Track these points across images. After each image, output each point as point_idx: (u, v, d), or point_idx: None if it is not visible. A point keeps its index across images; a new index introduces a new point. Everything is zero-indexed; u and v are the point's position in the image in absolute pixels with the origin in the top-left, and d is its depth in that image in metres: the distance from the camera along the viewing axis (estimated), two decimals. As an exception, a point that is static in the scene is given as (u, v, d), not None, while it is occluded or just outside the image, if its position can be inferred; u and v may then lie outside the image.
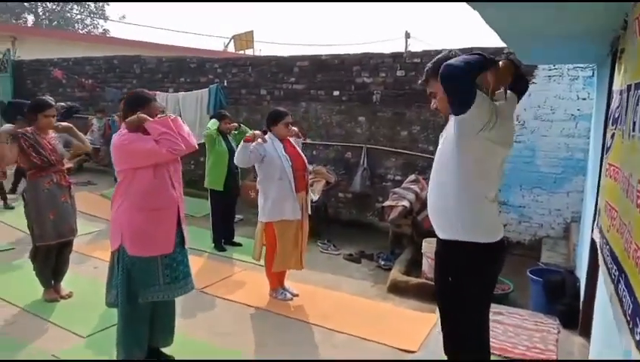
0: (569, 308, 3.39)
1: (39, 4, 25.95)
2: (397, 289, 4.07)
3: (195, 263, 4.54)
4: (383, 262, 4.77)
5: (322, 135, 6.55)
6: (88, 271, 4.27)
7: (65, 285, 3.78)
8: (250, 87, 7.15)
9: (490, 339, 2.14)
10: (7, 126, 3.60)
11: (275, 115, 3.78)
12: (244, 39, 18.41)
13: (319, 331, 3.40)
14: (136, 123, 2.49)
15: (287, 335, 3.34)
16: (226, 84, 7.28)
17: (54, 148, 3.51)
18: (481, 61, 1.77)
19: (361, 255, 5.02)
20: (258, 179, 3.78)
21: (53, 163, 3.48)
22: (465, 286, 1.96)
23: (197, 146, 2.72)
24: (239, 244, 5.19)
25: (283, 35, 64.13)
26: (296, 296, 3.94)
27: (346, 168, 6.39)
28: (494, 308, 3.41)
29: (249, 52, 17.54)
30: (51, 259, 3.60)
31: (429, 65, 2.02)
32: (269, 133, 3.76)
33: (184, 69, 7.85)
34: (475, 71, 1.76)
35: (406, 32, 21.59)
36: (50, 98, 3.86)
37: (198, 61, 7.79)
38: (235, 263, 4.75)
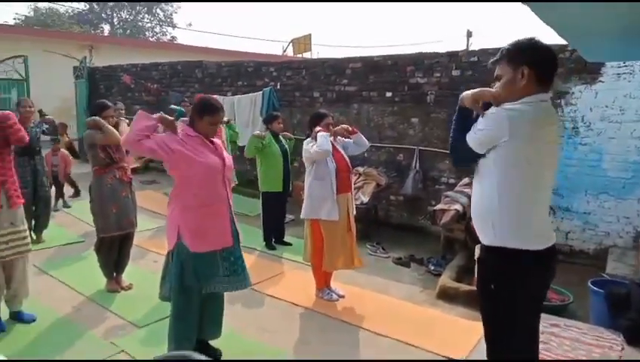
0: (635, 323, 3.13)
1: (115, 14, 27.89)
2: (446, 296, 3.95)
3: (246, 260, 4.71)
4: (433, 267, 4.65)
5: (374, 137, 6.49)
6: (148, 265, 4.53)
7: (125, 277, 4.03)
8: (303, 90, 7.25)
9: (544, 351, 2.03)
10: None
11: (316, 117, 3.89)
12: (302, 42, 18.72)
13: (363, 333, 3.38)
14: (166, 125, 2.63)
15: (331, 335, 3.36)
16: (279, 86, 7.44)
17: (118, 147, 3.78)
18: (456, 122, 1.98)
19: (410, 259, 4.93)
20: (306, 174, 3.83)
21: (116, 160, 3.76)
22: (507, 294, 1.87)
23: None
24: (289, 244, 5.28)
25: (340, 38, 64.35)
26: (342, 297, 3.95)
27: (397, 170, 6.30)
28: (550, 319, 3.24)
29: (306, 55, 17.82)
30: (114, 252, 3.87)
31: (508, 46, 1.89)
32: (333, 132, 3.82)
33: (242, 72, 8.11)
34: (458, 139, 1.95)
35: (468, 30, 20.95)
36: (112, 101, 4.18)
37: (255, 65, 8.02)
38: (284, 262, 4.84)
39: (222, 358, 2.93)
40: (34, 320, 3.34)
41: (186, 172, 2.62)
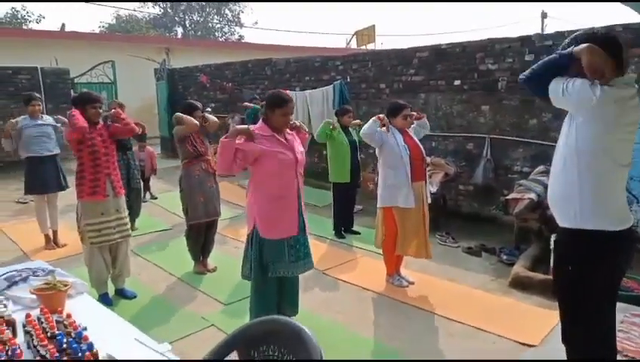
0: None
1: (187, 17, 29.45)
2: (520, 285, 3.91)
3: (317, 248, 4.95)
4: (505, 257, 4.59)
5: (442, 126, 6.46)
6: (230, 251, 4.90)
7: (211, 261, 4.42)
8: (369, 82, 7.34)
9: (625, 341, 2.03)
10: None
11: (394, 108, 3.95)
12: (366, 34, 18.67)
13: (435, 318, 3.47)
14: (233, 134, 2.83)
15: (402, 318, 3.48)
16: (348, 79, 7.58)
17: (203, 141, 4.16)
18: (549, 62, 1.94)
19: (481, 248, 4.89)
20: (378, 164, 3.96)
21: (202, 153, 4.13)
22: (585, 276, 1.90)
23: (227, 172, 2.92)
24: (358, 233, 5.44)
25: (404, 27, 62.94)
26: (412, 283, 4.05)
27: (467, 160, 6.22)
28: (632, 309, 3.14)
29: (370, 47, 17.78)
30: (201, 237, 4.26)
31: (566, 40, 1.98)
32: (388, 124, 3.91)
33: (309, 68, 8.36)
34: (541, 72, 1.95)
35: (542, 11, 19.78)
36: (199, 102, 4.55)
37: (321, 60, 8.22)
38: (354, 250, 5.01)
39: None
40: (135, 297, 3.78)
41: (262, 167, 2.87)
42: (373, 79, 7.29)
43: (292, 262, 2.98)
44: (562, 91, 1.85)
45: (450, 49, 6.27)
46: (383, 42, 31.17)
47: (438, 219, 5.76)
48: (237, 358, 1.71)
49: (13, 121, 5.00)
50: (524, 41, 5.62)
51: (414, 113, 4.05)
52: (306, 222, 3.05)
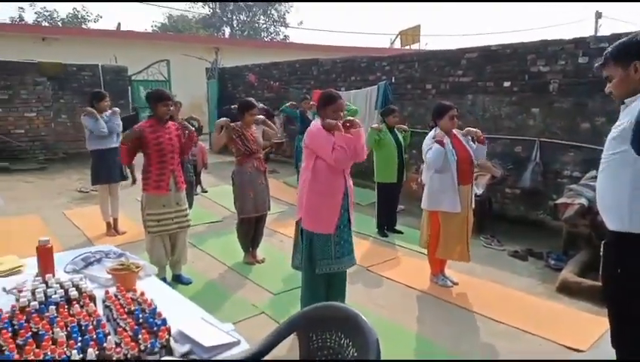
0: None
1: (234, 17, 30.20)
2: (567, 290, 3.87)
3: (361, 245, 5.07)
4: (553, 262, 4.53)
5: (489, 128, 6.38)
6: (277, 244, 5.09)
7: (259, 252, 4.62)
8: (415, 82, 7.35)
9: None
10: (222, 119, 4.51)
11: (440, 109, 3.92)
12: (411, 34, 18.54)
13: (479, 318, 3.49)
14: (328, 128, 2.96)
15: (446, 316, 3.53)
16: (393, 80, 7.62)
17: (255, 140, 4.35)
18: None
19: (528, 253, 4.84)
20: (424, 169, 3.99)
21: (254, 151, 4.32)
22: (634, 279, 1.92)
23: (365, 157, 3.07)
24: (400, 232, 5.50)
25: (450, 27, 61.71)
26: (456, 284, 4.07)
27: (515, 163, 6.13)
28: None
29: (415, 47, 17.64)
30: (251, 230, 4.46)
31: (610, 48, 2.02)
32: (436, 127, 3.93)
33: (355, 68, 8.46)
34: None
35: (596, 11, 18.94)
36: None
37: (367, 60, 8.30)
38: (397, 248, 5.08)
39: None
40: (190, 283, 4.03)
41: (316, 163, 3.01)
42: (419, 79, 7.30)
43: (337, 258, 3.10)
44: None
45: (501, 50, 6.21)
46: (428, 42, 30.72)
47: (484, 221, 5.73)
48: (297, 339, 1.86)
49: (90, 109, 5.31)
50: (579, 43, 5.49)
51: (476, 130, 3.90)
52: (351, 219, 3.16)
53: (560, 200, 4.84)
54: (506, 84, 6.17)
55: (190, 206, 5.93)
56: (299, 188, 3.20)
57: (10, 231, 5.27)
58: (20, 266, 2.59)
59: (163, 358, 1.66)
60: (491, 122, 6.37)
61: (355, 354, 1.66)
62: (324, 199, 3.03)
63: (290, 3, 30.93)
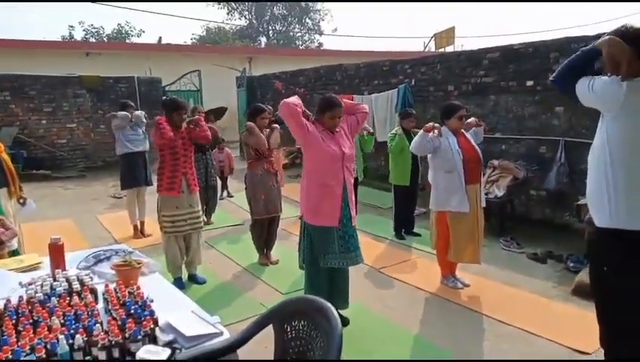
0: None
1: (270, 27, 30.84)
2: (583, 293, 3.73)
3: (375, 247, 5.09)
4: (572, 264, 4.37)
5: (513, 128, 6.25)
6: (291, 246, 5.16)
7: (274, 254, 4.73)
8: (437, 84, 7.30)
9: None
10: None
11: (448, 109, 3.91)
12: (445, 36, 18.30)
13: (486, 320, 3.44)
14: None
15: (452, 318, 3.50)
16: (413, 82, 7.59)
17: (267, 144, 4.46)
18: (575, 59, 1.95)
19: (547, 255, 4.69)
20: (430, 167, 3.98)
21: (265, 155, 4.44)
22: (621, 277, 1.87)
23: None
24: (418, 235, 5.46)
25: (486, 28, 60.12)
26: (468, 286, 4.02)
27: (539, 163, 5.96)
28: None
29: (449, 49, 17.38)
30: (264, 232, 4.58)
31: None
32: (443, 126, 3.92)
33: (377, 72, 8.48)
34: (567, 71, 1.97)
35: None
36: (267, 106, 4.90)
37: (390, 64, 8.31)
38: (412, 251, 5.05)
39: (349, 326, 3.31)
40: (204, 282, 4.18)
41: (313, 155, 3.08)
42: (441, 81, 7.24)
43: (342, 253, 3.12)
44: (588, 89, 1.85)
45: (523, 49, 6.07)
46: (464, 44, 30.12)
47: (504, 224, 5.60)
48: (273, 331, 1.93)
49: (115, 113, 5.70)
50: (604, 38, 5.30)
51: (475, 119, 3.99)
52: (352, 214, 3.17)
53: (582, 201, 4.68)
54: (529, 83, 6.03)
55: (213, 210, 6.18)
56: (300, 184, 3.28)
57: (44, 233, 5.55)
58: (38, 263, 2.82)
59: (145, 346, 1.77)
60: (515, 122, 6.23)
61: (322, 344, 1.71)
62: (322, 190, 3.06)
63: (325, 10, 31.27)
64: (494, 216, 5.53)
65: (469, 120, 4.01)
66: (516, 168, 5.87)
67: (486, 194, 5.44)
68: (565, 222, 5.68)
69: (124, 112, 5.59)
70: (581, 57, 1.91)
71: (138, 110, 5.93)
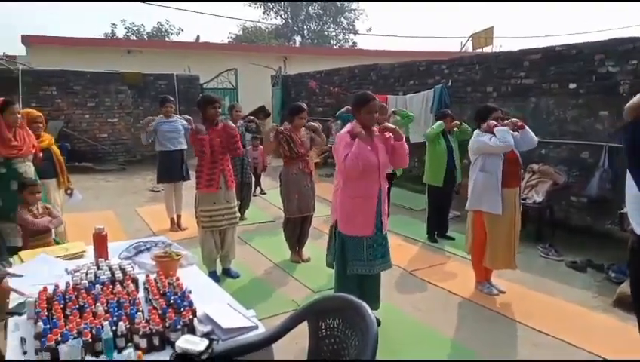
0: None
1: (305, 26, 30.97)
2: (625, 304, 3.58)
3: (407, 249, 5.06)
4: (614, 274, 4.21)
5: (553, 132, 6.06)
6: (323, 244, 5.10)
7: (305, 251, 4.77)
8: (475, 85, 7.16)
9: None
10: (273, 124, 4.75)
11: (484, 111, 3.88)
12: (483, 37, 17.88)
13: (521, 328, 3.36)
14: (353, 135, 3.00)
15: (486, 325, 3.43)
16: (450, 83, 7.48)
17: (303, 143, 4.51)
18: None
19: (587, 264, 4.53)
20: (472, 166, 3.91)
21: (300, 154, 4.47)
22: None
23: (405, 166, 3.24)
24: (452, 238, 5.38)
25: (527, 28, 58.30)
26: (503, 292, 3.93)
27: (581, 169, 5.76)
28: None
29: (487, 49, 16.98)
30: (296, 230, 4.63)
31: None
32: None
33: (413, 72, 8.39)
34: None
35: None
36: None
37: (426, 64, 8.21)
38: (446, 254, 4.98)
39: (379, 326, 3.30)
40: (238, 276, 4.26)
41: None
42: (479, 83, 7.10)
43: (370, 260, 3.12)
44: None
45: (565, 51, 5.88)
46: (502, 45, 29.32)
47: (543, 230, 5.44)
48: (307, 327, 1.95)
49: (150, 118, 5.90)
50: (654, 40, 5.07)
51: (514, 119, 3.90)
52: (384, 222, 3.16)
53: (625, 209, 4.49)
54: (572, 85, 5.83)
55: (247, 206, 6.27)
56: (333, 191, 3.28)
57: (86, 224, 5.81)
58: (83, 251, 2.95)
59: (184, 335, 1.83)
60: (556, 126, 6.05)
61: (357, 343, 1.72)
62: (357, 202, 3.05)
63: (360, 10, 31.12)
64: (532, 222, 5.39)
65: (506, 122, 3.89)
66: (556, 173, 5.69)
67: (524, 199, 5.31)
68: (607, 230, 5.47)
69: (153, 124, 5.69)
70: None
71: (178, 113, 5.98)
